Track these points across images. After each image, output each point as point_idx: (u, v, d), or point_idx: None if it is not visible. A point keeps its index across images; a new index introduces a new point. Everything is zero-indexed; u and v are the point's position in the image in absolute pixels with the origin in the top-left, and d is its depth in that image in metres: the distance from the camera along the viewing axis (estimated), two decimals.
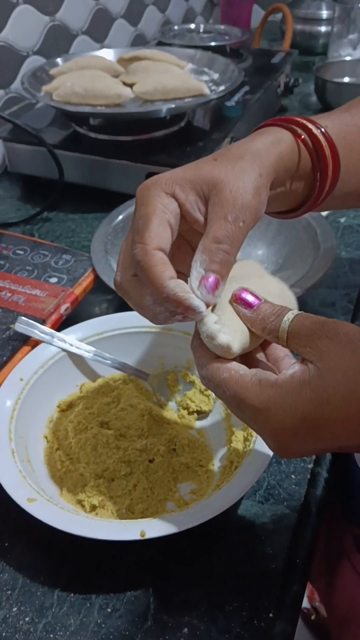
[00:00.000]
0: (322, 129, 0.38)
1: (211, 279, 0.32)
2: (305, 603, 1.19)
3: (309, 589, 1.21)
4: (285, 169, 0.37)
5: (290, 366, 0.31)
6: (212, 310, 0.34)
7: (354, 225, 0.77)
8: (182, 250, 0.36)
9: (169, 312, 0.33)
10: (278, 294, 0.36)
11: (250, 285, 0.35)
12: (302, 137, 0.37)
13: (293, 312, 0.32)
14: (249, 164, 0.34)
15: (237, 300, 0.34)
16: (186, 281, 0.33)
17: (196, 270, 0.32)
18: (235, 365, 0.32)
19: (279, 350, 0.35)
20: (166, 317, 0.33)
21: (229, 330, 0.32)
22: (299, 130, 0.37)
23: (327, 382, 0.28)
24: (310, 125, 0.38)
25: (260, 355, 0.36)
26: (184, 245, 0.36)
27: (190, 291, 0.32)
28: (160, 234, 0.32)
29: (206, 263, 0.32)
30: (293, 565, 0.41)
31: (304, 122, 0.38)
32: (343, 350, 0.28)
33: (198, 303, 0.32)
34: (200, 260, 0.32)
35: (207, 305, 0.33)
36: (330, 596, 0.50)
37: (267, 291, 0.35)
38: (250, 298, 0.33)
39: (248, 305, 0.33)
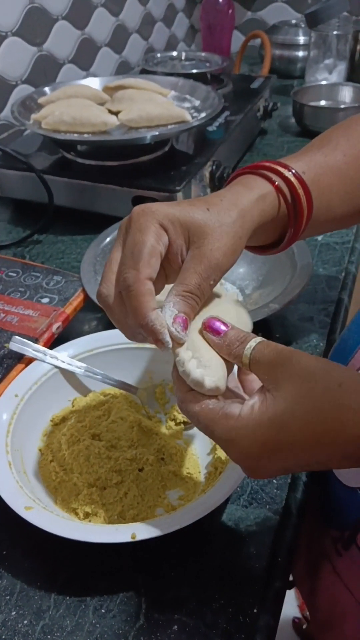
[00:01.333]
0: (293, 171, 0.41)
1: (182, 318, 0.36)
2: (297, 612, 1.20)
3: (299, 599, 1.23)
4: (264, 222, 0.40)
5: (252, 395, 0.34)
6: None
7: (330, 243, 0.81)
8: (158, 274, 0.39)
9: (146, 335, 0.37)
10: (235, 316, 0.40)
11: (211, 312, 0.38)
12: (277, 183, 0.40)
13: (255, 339, 0.35)
14: (233, 225, 0.37)
15: (206, 328, 0.37)
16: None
17: (169, 309, 0.36)
18: (205, 398, 0.35)
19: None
20: (143, 338, 0.37)
21: (205, 371, 0.35)
22: (273, 177, 0.41)
23: (282, 409, 0.31)
24: (282, 170, 0.41)
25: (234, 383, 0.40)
26: (160, 270, 0.39)
27: (165, 326, 0.35)
28: (152, 264, 0.36)
29: (179, 305, 0.36)
30: (275, 563, 0.43)
31: (277, 167, 0.41)
32: (295, 378, 0.32)
33: (169, 339, 0.36)
34: (174, 302, 0.36)
35: (178, 343, 0.36)
36: (313, 599, 0.52)
37: (224, 316, 0.38)
38: (217, 326, 0.36)
39: (216, 332, 0.36)
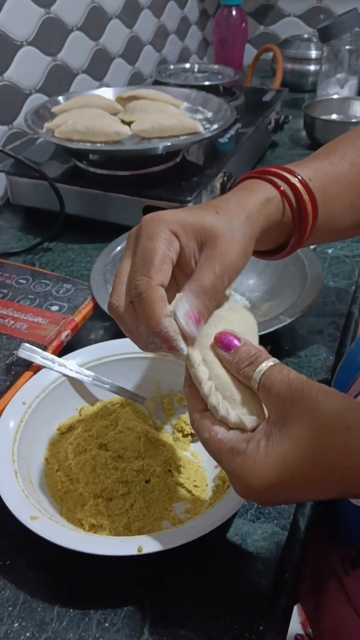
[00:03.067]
0: (299, 177, 0.41)
1: (196, 314, 0.35)
2: (299, 629, 1.19)
3: (302, 616, 1.21)
4: (269, 226, 0.40)
5: (257, 432, 0.33)
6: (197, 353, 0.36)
7: (340, 256, 0.80)
8: (169, 282, 0.38)
9: (159, 344, 0.36)
10: (237, 320, 0.39)
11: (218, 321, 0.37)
12: (282, 188, 0.40)
13: (267, 362, 0.34)
14: (242, 226, 0.37)
15: (217, 343, 0.36)
16: None
17: (182, 305, 0.35)
18: (217, 427, 0.34)
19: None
20: (156, 347, 0.36)
21: (231, 404, 0.34)
22: (279, 182, 0.41)
23: (287, 450, 0.31)
24: (288, 175, 0.41)
25: None
26: (171, 278, 0.38)
27: (179, 332, 0.35)
28: (164, 270, 0.35)
29: (191, 301, 0.35)
30: (282, 579, 0.43)
31: (283, 173, 0.41)
32: (304, 418, 0.31)
33: (183, 346, 0.35)
34: (187, 298, 0.35)
35: (190, 342, 0.35)
36: (318, 616, 0.51)
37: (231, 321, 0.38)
38: (228, 341, 0.35)
39: (227, 348, 0.35)
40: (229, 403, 0.34)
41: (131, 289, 0.36)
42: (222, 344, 0.35)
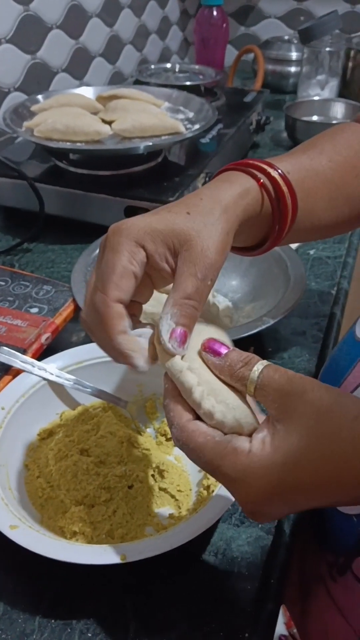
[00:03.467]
0: (280, 171, 0.40)
1: (180, 331, 0.34)
2: (283, 630, 1.19)
3: (286, 617, 1.21)
4: (248, 218, 0.39)
5: (259, 430, 0.32)
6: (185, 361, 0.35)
7: (322, 257, 0.80)
8: (143, 283, 0.37)
9: None
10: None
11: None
12: (261, 181, 0.40)
13: (262, 362, 0.33)
14: (218, 221, 0.36)
15: (205, 349, 0.35)
16: (140, 309, 0.37)
17: (166, 322, 0.34)
18: (211, 430, 0.33)
19: None
20: (125, 361, 0.36)
21: (222, 407, 0.33)
22: (259, 175, 0.40)
23: (296, 446, 0.29)
24: (268, 169, 0.40)
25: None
26: (145, 278, 0.37)
27: (137, 348, 0.35)
28: (121, 285, 0.34)
29: (177, 316, 0.34)
30: (267, 584, 0.42)
31: (263, 165, 0.40)
32: (310, 411, 0.30)
33: (141, 363, 0.35)
34: (171, 314, 0.34)
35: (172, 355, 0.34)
36: (305, 622, 0.51)
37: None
38: (218, 347, 0.34)
39: (216, 353, 0.34)
40: (224, 407, 0.33)
41: (93, 305, 0.35)
42: (211, 350, 0.34)
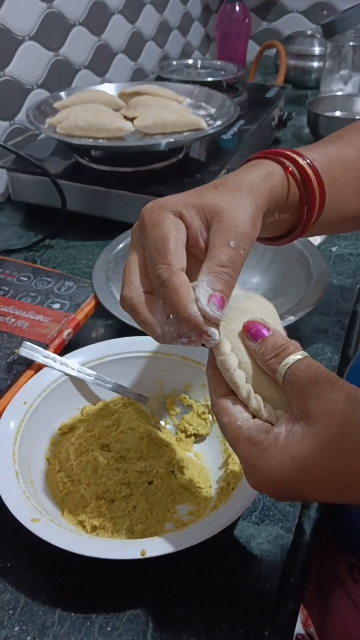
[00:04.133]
0: (308, 160, 0.40)
1: (218, 296, 0.34)
2: (300, 629, 1.18)
3: (303, 615, 1.20)
4: (275, 201, 0.39)
5: (278, 425, 0.32)
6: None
7: (345, 254, 0.79)
8: None
9: (176, 333, 0.35)
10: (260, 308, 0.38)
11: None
12: (290, 169, 0.40)
13: (295, 355, 0.32)
14: (246, 196, 0.36)
15: (245, 332, 0.35)
16: None
17: (203, 289, 0.34)
18: (237, 412, 0.33)
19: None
20: (173, 338, 0.35)
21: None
22: (287, 163, 0.40)
23: (308, 450, 0.30)
24: (297, 157, 0.40)
25: None
26: None
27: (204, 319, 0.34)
28: (180, 255, 0.34)
29: (212, 283, 0.34)
30: (288, 584, 0.42)
31: (291, 154, 0.40)
32: (330, 418, 0.29)
33: (213, 331, 0.34)
34: (207, 280, 0.34)
35: (216, 324, 0.34)
36: (324, 623, 0.50)
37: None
38: (256, 330, 0.34)
39: (254, 337, 0.34)
40: (260, 398, 0.34)
41: (152, 279, 0.35)
42: (250, 334, 0.34)
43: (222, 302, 0.34)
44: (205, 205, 0.35)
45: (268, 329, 0.34)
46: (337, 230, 0.47)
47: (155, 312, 0.35)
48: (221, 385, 0.35)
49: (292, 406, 0.34)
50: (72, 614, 0.41)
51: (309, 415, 0.30)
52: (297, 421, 0.31)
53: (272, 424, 0.33)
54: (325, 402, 0.30)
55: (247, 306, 0.37)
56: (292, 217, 0.42)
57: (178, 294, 0.33)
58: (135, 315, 0.36)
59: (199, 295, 0.34)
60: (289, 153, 0.40)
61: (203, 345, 0.35)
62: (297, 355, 0.32)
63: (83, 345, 0.56)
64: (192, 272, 0.37)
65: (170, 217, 0.35)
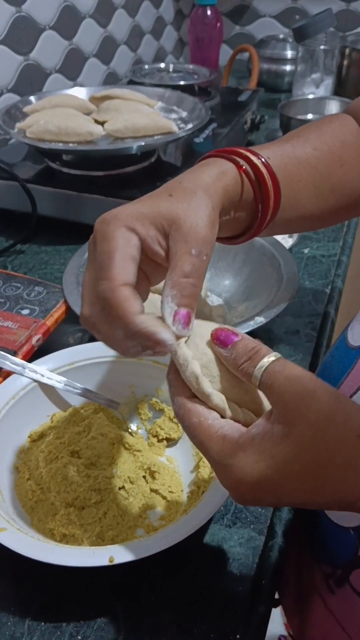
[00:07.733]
0: (263, 159, 0.40)
1: (183, 312, 0.33)
2: (282, 630, 1.18)
3: (284, 618, 1.21)
4: (230, 200, 0.39)
5: (254, 425, 0.31)
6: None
7: (317, 255, 0.80)
8: (138, 281, 0.36)
9: (140, 346, 0.34)
10: None
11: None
12: (244, 167, 0.39)
13: (269, 357, 0.31)
14: (202, 199, 0.36)
15: (214, 340, 0.34)
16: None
17: (168, 305, 0.33)
18: (207, 412, 0.32)
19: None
20: (137, 351, 0.34)
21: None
22: (241, 161, 0.39)
23: (288, 451, 0.29)
24: (251, 156, 0.40)
25: None
26: (140, 274, 0.36)
27: (159, 325, 0.33)
28: (125, 268, 0.33)
29: (177, 298, 0.33)
30: (259, 586, 0.42)
31: (245, 152, 0.40)
32: (310, 422, 0.29)
33: (167, 336, 0.32)
34: (171, 296, 0.33)
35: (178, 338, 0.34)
36: (304, 634, 0.50)
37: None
38: (225, 336, 0.33)
39: (223, 343, 0.33)
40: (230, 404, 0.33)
41: (98, 296, 0.34)
42: (219, 340, 0.33)
43: (188, 318, 0.33)
44: (161, 214, 0.34)
45: (236, 334, 0.34)
46: (296, 230, 0.47)
47: (117, 328, 0.34)
48: (186, 388, 0.34)
49: (261, 406, 0.34)
50: (42, 623, 0.40)
51: (288, 419, 0.29)
52: (277, 422, 0.30)
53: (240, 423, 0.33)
54: (307, 401, 0.29)
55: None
56: (247, 216, 0.42)
57: (122, 309, 0.32)
58: (96, 333, 0.35)
59: (164, 313, 0.34)
60: (242, 151, 0.40)
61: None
62: (270, 357, 0.32)
63: (55, 352, 0.55)
64: (159, 280, 0.37)
65: (121, 231, 0.34)
